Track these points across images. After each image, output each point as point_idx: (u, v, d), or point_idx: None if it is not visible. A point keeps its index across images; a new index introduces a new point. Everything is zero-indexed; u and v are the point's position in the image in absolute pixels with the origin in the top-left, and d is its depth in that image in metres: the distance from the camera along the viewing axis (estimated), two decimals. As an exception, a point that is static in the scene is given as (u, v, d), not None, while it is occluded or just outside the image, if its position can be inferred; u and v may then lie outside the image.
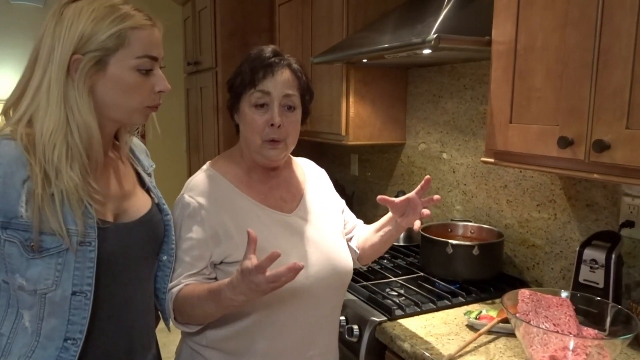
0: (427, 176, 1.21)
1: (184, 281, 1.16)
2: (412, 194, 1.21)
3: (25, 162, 0.93)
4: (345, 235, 1.40)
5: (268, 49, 1.22)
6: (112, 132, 1.09)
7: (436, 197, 1.21)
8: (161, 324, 1.26)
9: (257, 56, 1.21)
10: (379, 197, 1.21)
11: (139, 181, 1.17)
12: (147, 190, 1.17)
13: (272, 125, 1.18)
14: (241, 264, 0.98)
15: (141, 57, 0.99)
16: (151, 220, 1.12)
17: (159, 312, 1.23)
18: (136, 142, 1.23)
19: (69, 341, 0.96)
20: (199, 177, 1.25)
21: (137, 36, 0.98)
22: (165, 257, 1.16)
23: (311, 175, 1.39)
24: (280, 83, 1.19)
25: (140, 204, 1.11)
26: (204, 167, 1.29)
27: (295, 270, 0.95)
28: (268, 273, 0.95)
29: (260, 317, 1.16)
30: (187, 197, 1.21)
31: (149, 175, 1.22)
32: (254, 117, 1.19)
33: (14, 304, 0.97)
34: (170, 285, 1.16)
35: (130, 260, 1.06)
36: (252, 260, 0.96)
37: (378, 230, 1.35)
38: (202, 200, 1.19)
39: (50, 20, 0.97)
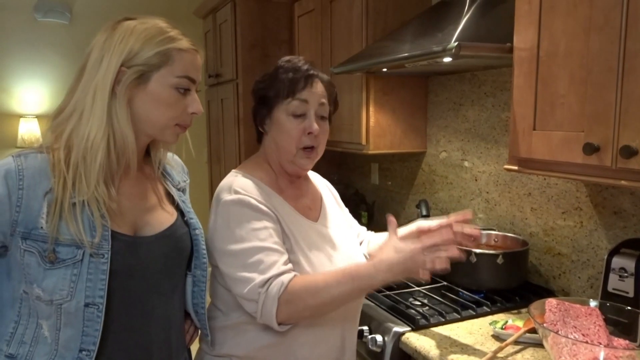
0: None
1: (284, 268, 1.11)
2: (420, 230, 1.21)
3: (49, 174, 0.96)
4: None
5: (301, 61, 1.25)
6: (144, 146, 1.12)
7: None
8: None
9: (294, 67, 1.23)
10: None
11: (167, 196, 1.17)
12: (177, 206, 1.17)
13: (309, 133, 1.21)
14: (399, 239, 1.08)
15: (181, 76, 1.04)
16: (173, 235, 1.11)
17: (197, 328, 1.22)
18: (171, 157, 1.25)
19: (83, 352, 0.97)
20: (241, 179, 1.22)
21: (180, 57, 1.04)
22: (198, 272, 1.16)
23: (322, 186, 1.44)
24: (316, 93, 1.23)
25: (163, 219, 1.12)
26: (235, 172, 1.26)
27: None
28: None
29: (298, 326, 1.16)
30: (241, 196, 1.17)
31: (181, 190, 1.22)
32: (291, 125, 1.22)
33: (33, 314, 0.99)
34: (271, 274, 1.09)
35: (149, 274, 1.06)
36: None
37: None
38: (254, 196, 1.18)
39: (102, 35, 1.03)
